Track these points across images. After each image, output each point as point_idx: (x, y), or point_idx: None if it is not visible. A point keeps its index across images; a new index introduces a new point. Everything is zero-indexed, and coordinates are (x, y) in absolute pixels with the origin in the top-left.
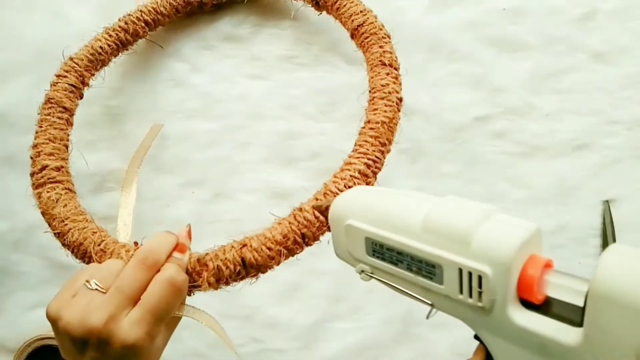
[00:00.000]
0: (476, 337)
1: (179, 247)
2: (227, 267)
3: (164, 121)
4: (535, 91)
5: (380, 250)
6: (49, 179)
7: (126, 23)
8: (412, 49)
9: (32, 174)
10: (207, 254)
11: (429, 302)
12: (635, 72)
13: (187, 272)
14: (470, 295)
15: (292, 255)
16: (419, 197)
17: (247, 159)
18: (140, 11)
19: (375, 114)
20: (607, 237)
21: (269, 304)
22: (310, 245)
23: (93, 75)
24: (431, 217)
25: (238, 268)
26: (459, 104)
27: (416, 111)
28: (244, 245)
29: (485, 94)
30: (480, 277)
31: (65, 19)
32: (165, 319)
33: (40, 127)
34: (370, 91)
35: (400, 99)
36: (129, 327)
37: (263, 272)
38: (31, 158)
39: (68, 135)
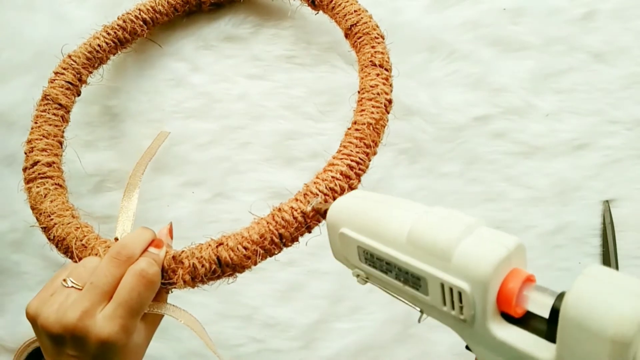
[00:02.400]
0: (467, 347)
1: (155, 243)
2: (203, 266)
3: (163, 121)
4: (535, 91)
5: (371, 258)
6: (39, 174)
7: (124, 21)
8: (412, 49)
9: (24, 169)
10: (183, 251)
11: (419, 309)
12: (635, 72)
13: (163, 269)
14: (453, 308)
15: (270, 256)
16: (408, 207)
17: (247, 159)
18: (139, 10)
19: (362, 115)
20: (607, 237)
21: (268, 304)
22: (289, 246)
23: (91, 73)
24: (415, 230)
25: (214, 267)
26: (458, 104)
27: (416, 111)
28: (220, 243)
29: (485, 93)
30: (460, 293)
31: (65, 19)
32: (139, 312)
33: (35, 123)
34: (359, 92)
35: (390, 101)
36: (103, 322)
37: (240, 272)
38: (25, 154)
39: (63, 131)
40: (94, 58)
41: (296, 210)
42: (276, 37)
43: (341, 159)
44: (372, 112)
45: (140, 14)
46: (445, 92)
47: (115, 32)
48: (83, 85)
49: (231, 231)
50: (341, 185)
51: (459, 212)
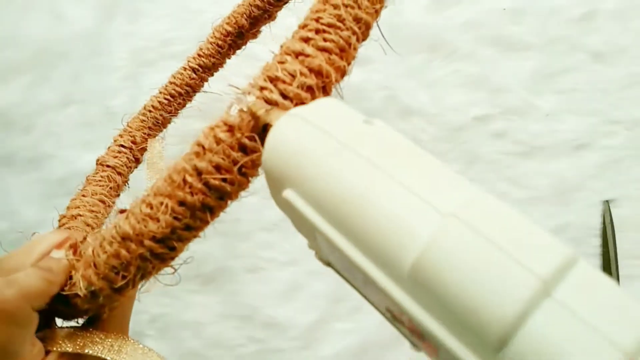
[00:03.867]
0: None
1: (63, 243)
2: (105, 252)
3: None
4: (535, 91)
5: (339, 259)
6: (60, 225)
7: (174, 77)
8: (412, 49)
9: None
10: (87, 235)
11: (412, 344)
12: (635, 72)
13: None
14: None
15: (194, 209)
16: (424, 184)
17: None
18: (188, 61)
19: None
20: (607, 237)
21: (269, 304)
22: (222, 188)
23: (148, 135)
24: (425, 263)
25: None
26: (459, 104)
27: (416, 111)
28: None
29: (485, 94)
30: None
31: (64, 19)
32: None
33: (82, 187)
34: None
35: None
36: None
37: (166, 255)
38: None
39: (110, 189)
40: (148, 119)
41: (219, 127)
42: (280, 37)
43: (294, 35)
44: None
45: (188, 64)
46: (445, 92)
47: (166, 89)
48: (140, 149)
49: (231, 231)
50: (291, 71)
51: (523, 221)
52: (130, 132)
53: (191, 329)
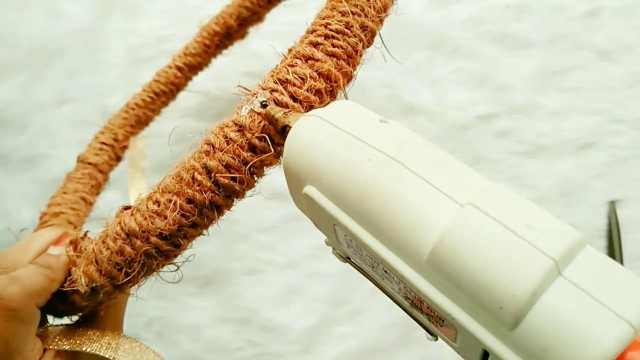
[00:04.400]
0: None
1: (59, 240)
2: (108, 248)
3: (161, 119)
4: (539, 89)
5: (358, 250)
6: (42, 223)
7: (158, 75)
8: (414, 46)
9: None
10: (86, 233)
11: (431, 334)
12: None
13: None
14: None
15: (199, 204)
16: (439, 179)
17: None
18: (173, 59)
19: None
20: (613, 238)
21: (267, 307)
22: (229, 186)
23: (130, 133)
24: (444, 248)
25: (119, 243)
26: (462, 103)
27: (418, 110)
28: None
29: (489, 92)
30: None
31: (60, 16)
32: (5, 355)
33: (63, 183)
34: None
35: None
36: None
37: (165, 249)
38: None
39: (91, 187)
40: (130, 116)
41: (229, 127)
42: (275, 33)
43: (303, 40)
44: None
45: (173, 62)
46: (448, 90)
47: (150, 87)
48: (121, 146)
49: (230, 231)
50: (301, 75)
51: (534, 207)
52: (112, 129)
53: (188, 333)
